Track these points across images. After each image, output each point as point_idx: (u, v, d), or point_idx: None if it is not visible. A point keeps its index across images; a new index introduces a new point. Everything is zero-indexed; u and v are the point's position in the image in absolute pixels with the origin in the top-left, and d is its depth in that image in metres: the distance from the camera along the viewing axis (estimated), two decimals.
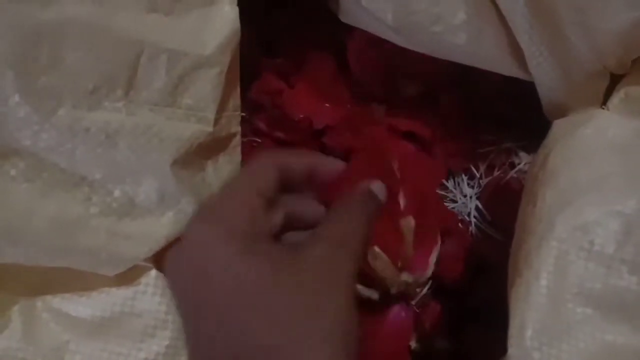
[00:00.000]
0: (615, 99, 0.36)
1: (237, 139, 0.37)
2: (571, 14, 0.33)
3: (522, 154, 0.49)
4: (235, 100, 0.36)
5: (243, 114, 0.37)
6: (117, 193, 0.32)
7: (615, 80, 0.36)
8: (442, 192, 0.48)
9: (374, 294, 0.41)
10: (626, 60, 0.35)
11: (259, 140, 0.48)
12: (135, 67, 0.32)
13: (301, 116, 0.47)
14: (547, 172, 0.34)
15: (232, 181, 0.29)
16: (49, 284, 0.32)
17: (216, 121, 0.35)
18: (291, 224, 0.29)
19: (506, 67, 0.38)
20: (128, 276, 0.32)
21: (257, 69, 0.48)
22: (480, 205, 0.48)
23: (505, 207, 0.45)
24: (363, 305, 0.44)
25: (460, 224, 0.47)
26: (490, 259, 0.45)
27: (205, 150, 0.35)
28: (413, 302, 0.44)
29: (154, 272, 0.32)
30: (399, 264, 0.40)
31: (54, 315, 0.32)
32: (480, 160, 0.49)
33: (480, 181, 0.48)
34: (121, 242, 0.32)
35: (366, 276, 0.40)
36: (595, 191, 0.32)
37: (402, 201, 0.40)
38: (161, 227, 0.32)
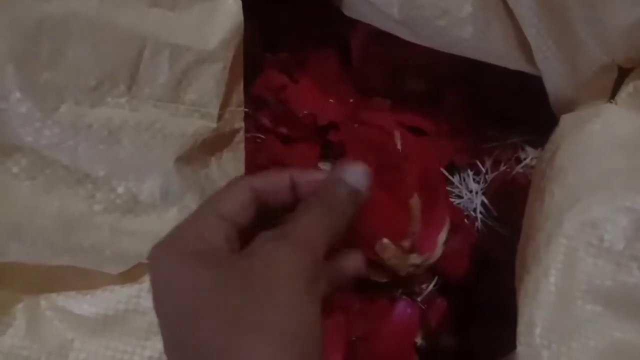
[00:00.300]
0: (624, 93, 0.35)
1: (241, 135, 0.36)
2: (580, 9, 0.33)
3: (528, 149, 0.48)
4: (238, 95, 0.36)
5: (246, 109, 0.37)
6: (120, 190, 0.31)
7: (623, 74, 0.36)
8: (448, 188, 0.48)
9: (382, 278, 0.42)
10: (634, 54, 0.34)
11: (263, 136, 0.48)
12: (138, 63, 0.32)
13: (305, 112, 0.46)
14: (555, 169, 0.34)
15: (197, 207, 0.29)
16: (53, 282, 0.32)
17: (220, 117, 0.34)
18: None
19: (513, 61, 0.37)
20: (132, 274, 0.32)
21: (260, 65, 0.48)
22: (486, 201, 0.47)
23: (512, 202, 0.45)
24: (370, 299, 0.44)
25: (466, 220, 0.47)
26: (497, 255, 0.45)
27: (209, 146, 0.35)
28: (419, 299, 0.44)
29: None
30: (408, 244, 0.40)
31: (58, 313, 0.32)
32: (486, 155, 0.48)
33: (486, 176, 0.48)
34: (125, 239, 0.31)
35: (376, 266, 0.40)
36: (604, 187, 0.32)
37: (408, 178, 0.40)
38: (165, 223, 0.31)
